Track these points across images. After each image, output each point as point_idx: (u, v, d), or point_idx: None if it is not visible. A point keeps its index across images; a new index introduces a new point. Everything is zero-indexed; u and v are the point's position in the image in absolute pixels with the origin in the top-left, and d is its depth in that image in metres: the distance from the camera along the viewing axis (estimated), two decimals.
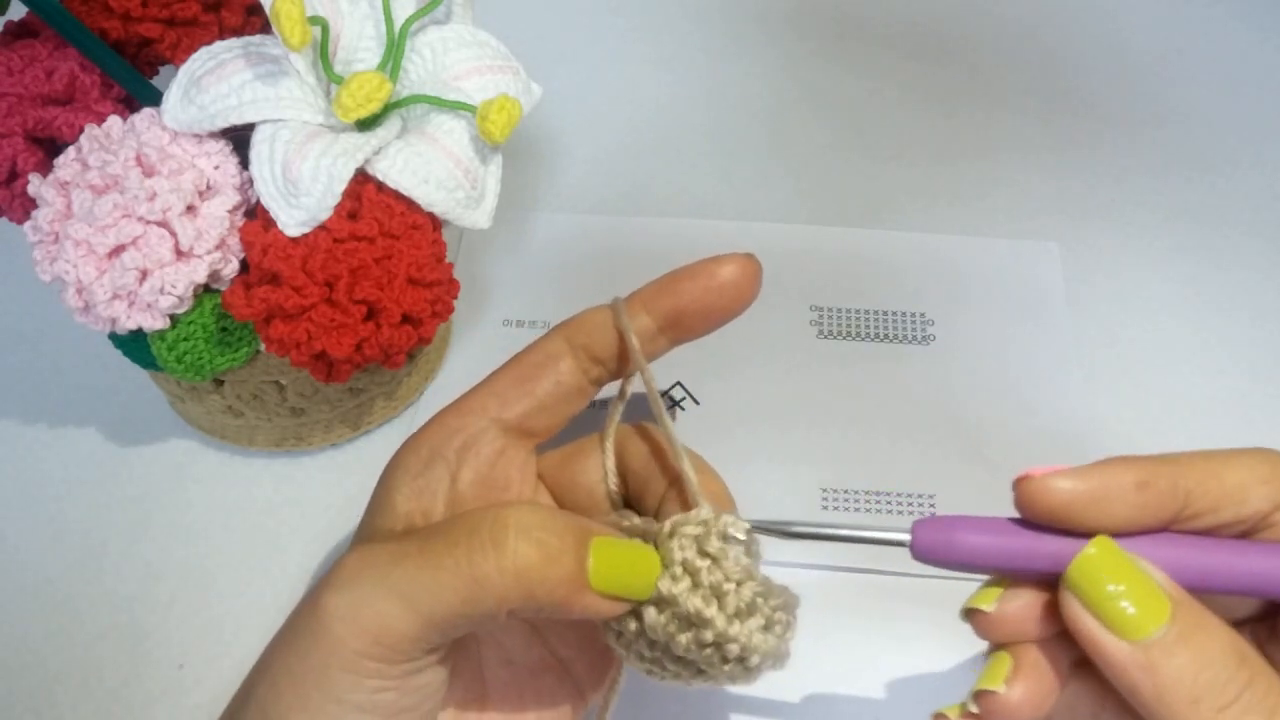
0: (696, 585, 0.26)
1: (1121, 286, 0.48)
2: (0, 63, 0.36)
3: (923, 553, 0.26)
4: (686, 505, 0.29)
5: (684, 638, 0.26)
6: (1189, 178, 0.53)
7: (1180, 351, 0.46)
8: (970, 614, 0.27)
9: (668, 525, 0.27)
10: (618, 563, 0.26)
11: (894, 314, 0.47)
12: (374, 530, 0.30)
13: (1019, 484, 0.26)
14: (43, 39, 0.37)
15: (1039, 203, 0.52)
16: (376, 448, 0.44)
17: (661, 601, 0.26)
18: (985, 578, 0.27)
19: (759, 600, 0.27)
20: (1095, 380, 0.45)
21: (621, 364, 0.31)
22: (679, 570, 0.26)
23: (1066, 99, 0.56)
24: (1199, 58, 0.58)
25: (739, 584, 0.26)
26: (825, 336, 0.46)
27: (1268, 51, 0.58)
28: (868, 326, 0.47)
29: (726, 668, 0.27)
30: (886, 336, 0.46)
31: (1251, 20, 0.60)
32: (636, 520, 0.28)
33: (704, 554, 0.27)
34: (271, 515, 0.42)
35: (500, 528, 0.25)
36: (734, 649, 0.26)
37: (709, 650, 0.26)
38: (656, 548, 0.27)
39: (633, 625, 0.27)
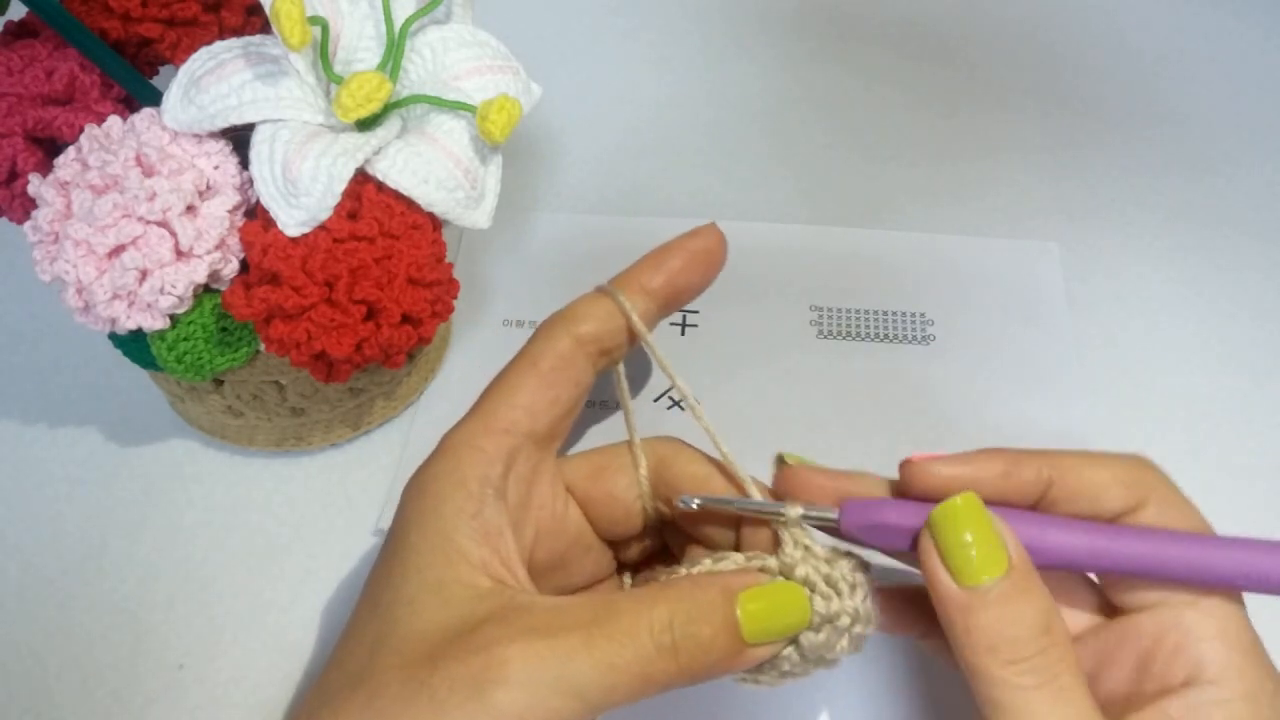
0: (838, 593, 0.28)
1: (1121, 286, 0.48)
2: (0, 63, 0.36)
3: (849, 528, 0.29)
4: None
5: (840, 643, 0.28)
6: (1189, 178, 0.53)
7: (1180, 351, 0.46)
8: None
9: (798, 552, 0.29)
10: (770, 614, 0.27)
11: (894, 314, 0.47)
12: (449, 579, 0.27)
13: (902, 466, 0.29)
14: (43, 39, 0.37)
15: (1039, 203, 0.52)
16: (376, 448, 0.44)
17: (819, 622, 0.28)
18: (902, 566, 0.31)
19: (858, 576, 0.29)
20: (1095, 380, 0.45)
21: (623, 352, 0.32)
22: (826, 589, 0.28)
23: (1067, 99, 0.56)
24: (1200, 58, 0.58)
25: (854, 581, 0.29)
26: (825, 336, 0.46)
27: (1268, 51, 0.58)
28: (868, 326, 0.47)
29: (818, 664, 0.29)
30: (886, 336, 0.46)
31: (1252, 20, 0.60)
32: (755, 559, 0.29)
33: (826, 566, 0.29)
34: (271, 515, 0.42)
35: (663, 628, 0.26)
36: (860, 628, 0.28)
37: (805, 656, 0.28)
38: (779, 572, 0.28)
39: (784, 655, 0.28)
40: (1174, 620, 0.27)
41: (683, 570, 0.29)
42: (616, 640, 0.26)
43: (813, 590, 0.28)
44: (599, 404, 0.43)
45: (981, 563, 0.26)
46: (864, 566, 0.29)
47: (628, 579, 0.35)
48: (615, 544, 0.34)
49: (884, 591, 0.30)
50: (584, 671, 0.25)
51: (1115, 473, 0.28)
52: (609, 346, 0.32)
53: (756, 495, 0.30)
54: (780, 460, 0.30)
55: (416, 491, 0.29)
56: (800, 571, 0.28)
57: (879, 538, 0.29)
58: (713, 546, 0.31)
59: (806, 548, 0.29)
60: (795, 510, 0.29)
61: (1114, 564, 0.27)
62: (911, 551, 0.28)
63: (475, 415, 0.30)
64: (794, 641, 0.28)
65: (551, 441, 0.32)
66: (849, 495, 0.29)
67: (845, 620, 0.28)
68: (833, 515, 0.29)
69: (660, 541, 0.34)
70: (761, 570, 0.28)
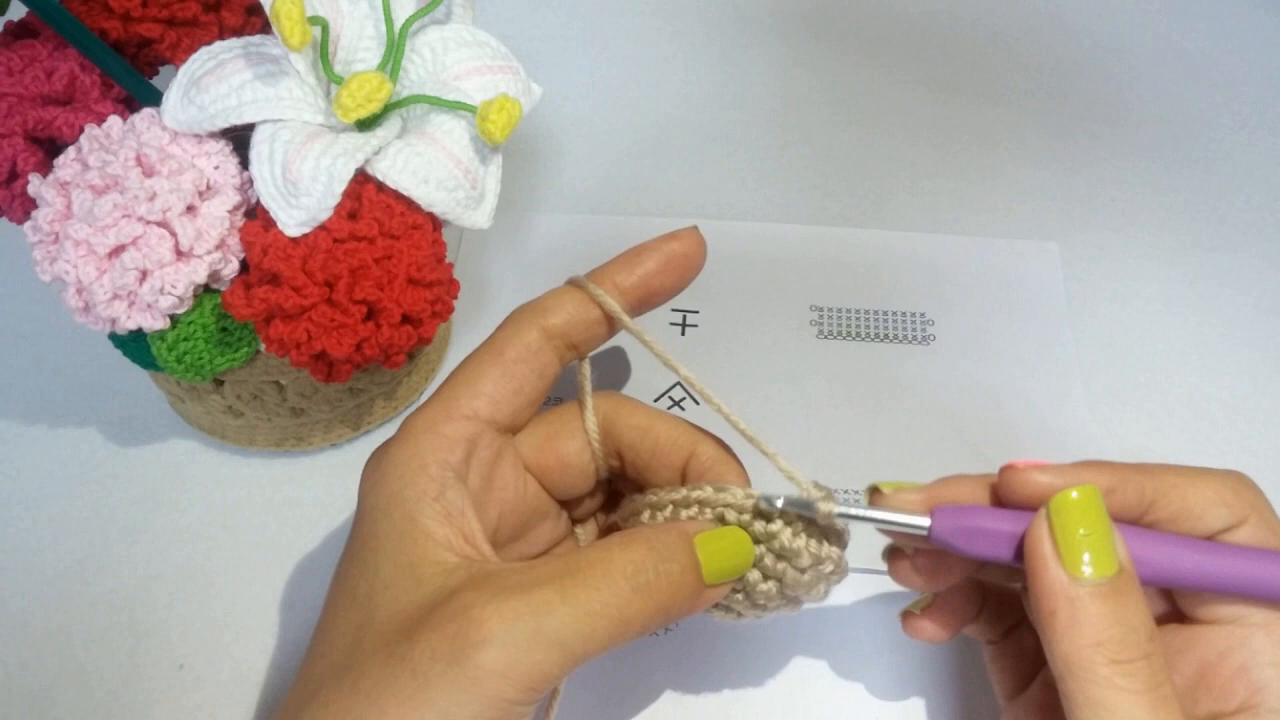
0: (776, 551, 0.30)
1: (1121, 286, 0.48)
2: (0, 63, 0.36)
3: (941, 535, 0.28)
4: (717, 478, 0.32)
5: (765, 586, 0.30)
6: (1189, 178, 0.53)
7: (1180, 351, 0.46)
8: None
9: (737, 506, 0.30)
10: (723, 555, 0.29)
11: (894, 314, 0.47)
12: (418, 559, 0.28)
13: (1004, 472, 0.28)
14: (43, 39, 0.37)
15: (1039, 203, 0.52)
16: (376, 448, 0.44)
17: (768, 575, 0.30)
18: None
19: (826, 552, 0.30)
20: (1095, 380, 0.45)
21: (593, 345, 0.33)
22: (777, 547, 0.30)
23: (1067, 99, 0.56)
24: (1201, 58, 0.58)
25: (813, 547, 0.30)
26: (825, 336, 0.46)
27: (1269, 51, 0.58)
28: (868, 326, 0.47)
29: (800, 601, 0.31)
30: (886, 336, 0.46)
31: (1252, 20, 0.60)
32: (733, 495, 0.30)
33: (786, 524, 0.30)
34: (271, 515, 0.42)
35: (635, 569, 0.27)
36: (813, 592, 0.30)
37: (785, 592, 0.30)
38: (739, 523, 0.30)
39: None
40: (1242, 640, 0.27)
41: (647, 499, 0.32)
42: (590, 586, 0.26)
43: (766, 544, 0.30)
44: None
45: (1096, 557, 0.26)
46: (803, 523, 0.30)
47: (579, 531, 0.36)
48: (568, 503, 0.35)
49: (958, 591, 0.32)
50: (562, 621, 0.26)
51: (1217, 492, 0.28)
52: (577, 340, 0.32)
53: (783, 464, 0.31)
54: (874, 490, 0.30)
55: (378, 477, 0.30)
56: (755, 527, 0.30)
57: (973, 543, 0.28)
58: (661, 473, 0.33)
59: (752, 508, 0.30)
60: (881, 514, 0.29)
61: (1210, 583, 0.27)
62: (1012, 560, 0.28)
63: (437, 401, 0.31)
64: (742, 585, 0.30)
65: (513, 428, 0.32)
66: (940, 502, 0.29)
67: (768, 566, 0.30)
68: (925, 523, 0.28)
69: (609, 493, 0.36)
70: (700, 506, 0.30)
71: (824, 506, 0.29)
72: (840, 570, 0.30)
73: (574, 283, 0.33)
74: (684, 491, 0.31)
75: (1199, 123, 0.55)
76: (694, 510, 0.30)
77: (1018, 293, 0.48)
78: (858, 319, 0.47)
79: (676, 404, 0.44)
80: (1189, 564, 0.27)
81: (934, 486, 0.29)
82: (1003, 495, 0.28)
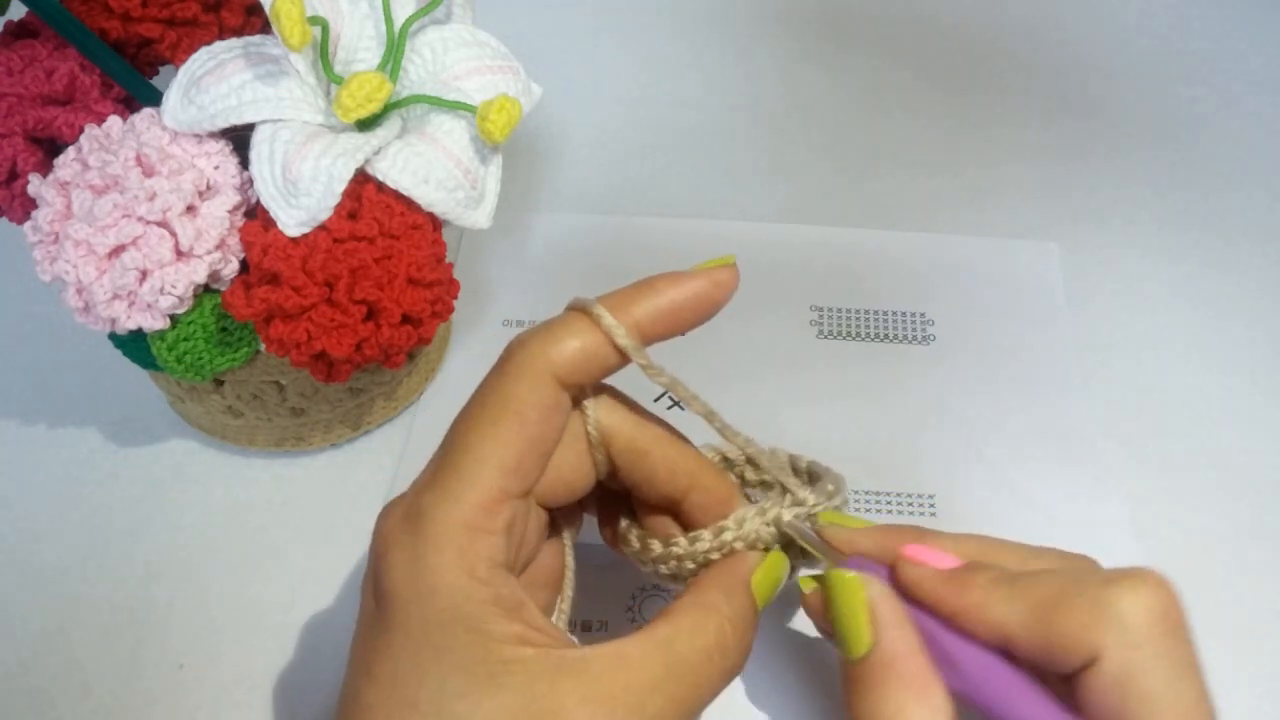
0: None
1: (1121, 286, 0.48)
2: (0, 63, 0.36)
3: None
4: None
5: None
6: (1189, 178, 0.53)
7: (1180, 351, 0.46)
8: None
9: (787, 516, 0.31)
10: (770, 584, 0.31)
11: (894, 314, 0.47)
12: (496, 663, 0.26)
13: (897, 557, 0.29)
14: (43, 39, 0.37)
15: (1039, 203, 0.52)
16: (376, 448, 0.44)
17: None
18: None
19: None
20: (1095, 380, 0.45)
21: (601, 378, 0.31)
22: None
23: (1067, 99, 0.56)
24: (1201, 59, 0.58)
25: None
26: (825, 336, 0.46)
27: (1268, 52, 0.58)
28: (868, 326, 0.47)
29: None
30: (886, 336, 0.46)
31: (1252, 21, 0.60)
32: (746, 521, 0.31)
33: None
34: (271, 515, 0.42)
35: (725, 654, 0.28)
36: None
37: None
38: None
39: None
40: None
41: (655, 557, 0.32)
42: (691, 684, 0.27)
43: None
44: None
45: (848, 639, 0.27)
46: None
47: (567, 539, 0.34)
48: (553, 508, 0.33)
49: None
50: (660, 707, 0.26)
51: (1061, 634, 0.25)
52: (587, 380, 0.30)
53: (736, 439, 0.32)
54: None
55: (420, 585, 0.27)
56: (765, 536, 0.31)
57: None
58: (653, 496, 0.32)
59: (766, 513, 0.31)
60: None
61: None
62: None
63: (468, 486, 0.28)
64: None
65: (538, 490, 0.30)
66: (855, 550, 0.31)
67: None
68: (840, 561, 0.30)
69: (598, 489, 0.33)
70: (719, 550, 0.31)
71: (788, 514, 0.31)
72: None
73: (581, 308, 0.30)
74: (693, 547, 0.31)
75: (1199, 122, 0.55)
76: (708, 551, 0.31)
77: (1018, 293, 0.48)
78: (858, 319, 0.47)
79: (676, 404, 0.44)
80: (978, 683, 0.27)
81: (874, 533, 0.30)
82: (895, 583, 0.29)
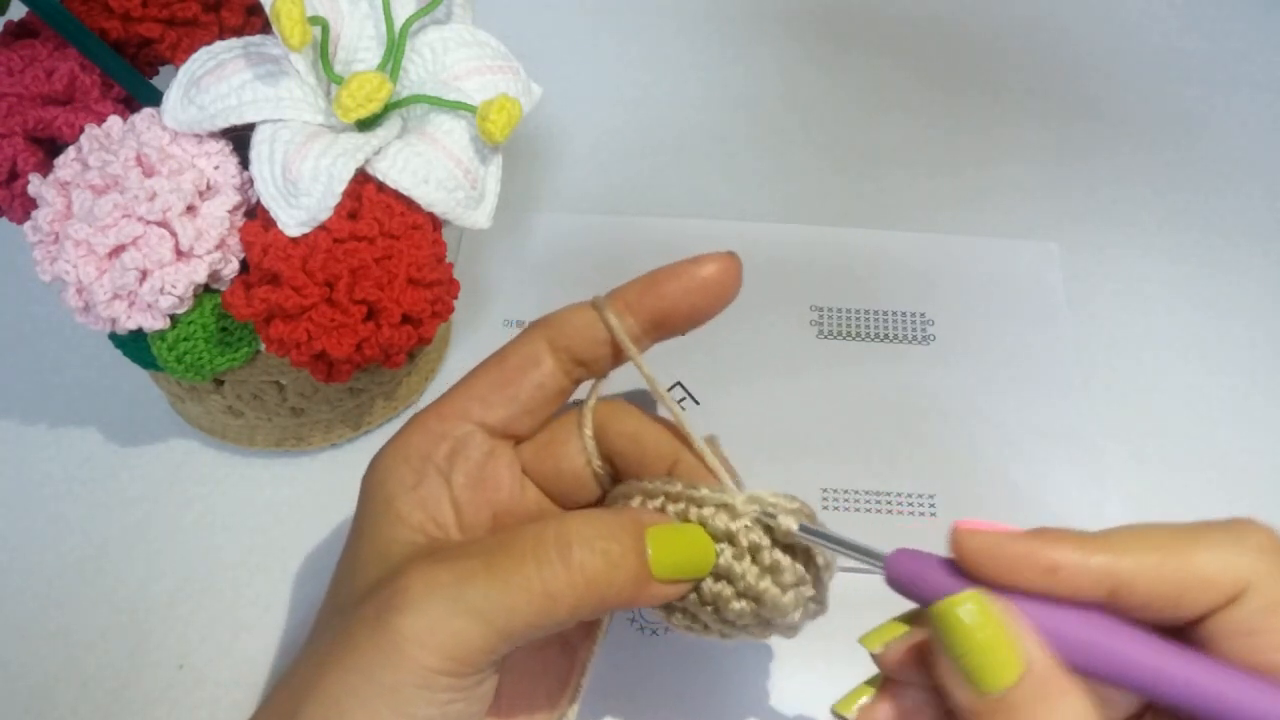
0: (756, 563, 0.28)
1: (1121, 286, 0.48)
2: (0, 63, 0.36)
3: (894, 576, 0.26)
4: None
5: (738, 605, 0.28)
6: (1189, 178, 0.53)
7: (1180, 351, 0.46)
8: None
9: (707, 502, 0.29)
10: (676, 550, 0.28)
11: (894, 314, 0.47)
12: (389, 540, 0.29)
13: (953, 532, 0.26)
14: (43, 39, 0.37)
15: (1039, 203, 0.52)
16: (376, 447, 0.44)
17: (719, 574, 0.28)
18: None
19: (805, 574, 0.29)
20: (1095, 380, 0.45)
21: (603, 365, 0.32)
22: (744, 550, 0.28)
23: (1067, 99, 0.56)
24: (1200, 58, 0.58)
25: (795, 568, 0.28)
26: (825, 336, 0.46)
27: (1268, 52, 0.58)
28: (868, 326, 0.47)
29: (773, 627, 0.29)
30: (886, 336, 0.46)
31: (1252, 20, 0.60)
32: (699, 490, 0.29)
33: (766, 535, 0.28)
34: (271, 515, 0.42)
35: (564, 543, 0.26)
36: (788, 618, 0.29)
37: (759, 615, 0.29)
38: (703, 522, 0.29)
39: (691, 600, 0.29)
40: None
41: (619, 494, 0.31)
42: (517, 557, 0.26)
43: (730, 545, 0.28)
44: None
45: (989, 670, 0.23)
46: (829, 567, 0.29)
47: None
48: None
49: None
50: (483, 591, 0.26)
51: (1203, 565, 0.24)
52: (585, 358, 0.31)
53: (714, 460, 0.30)
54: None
55: (370, 469, 0.31)
56: (741, 535, 0.28)
57: (920, 596, 0.26)
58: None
59: (726, 507, 0.29)
60: (839, 539, 0.28)
61: (1167, 698, 0.24)
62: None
63: (436, 400, 0.32)
64: (699, 593, 0.29)
65: (509, 434, 0.32)
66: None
67: (745, 583, 0.28)
68: (881, 555, 0.27)
69: None
70: (688, 503, 0.29)
71: (785, 520, 0.28)
72: (819, 601, 0.29)
73: (593, 301, 0.32)
74: (656, 483, 0.30)
75: (1199, 123, 0.55)
76: (682, 506, 0.29)
77: (1018, 293, 0.48)
78: (858, 319, 0.47)
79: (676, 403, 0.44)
80: (1144, 672, 0.24)
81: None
82: (954, 554, 0.26)
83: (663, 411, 0.32)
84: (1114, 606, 0.24)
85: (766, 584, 0.28)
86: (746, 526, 0.28)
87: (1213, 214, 0.51)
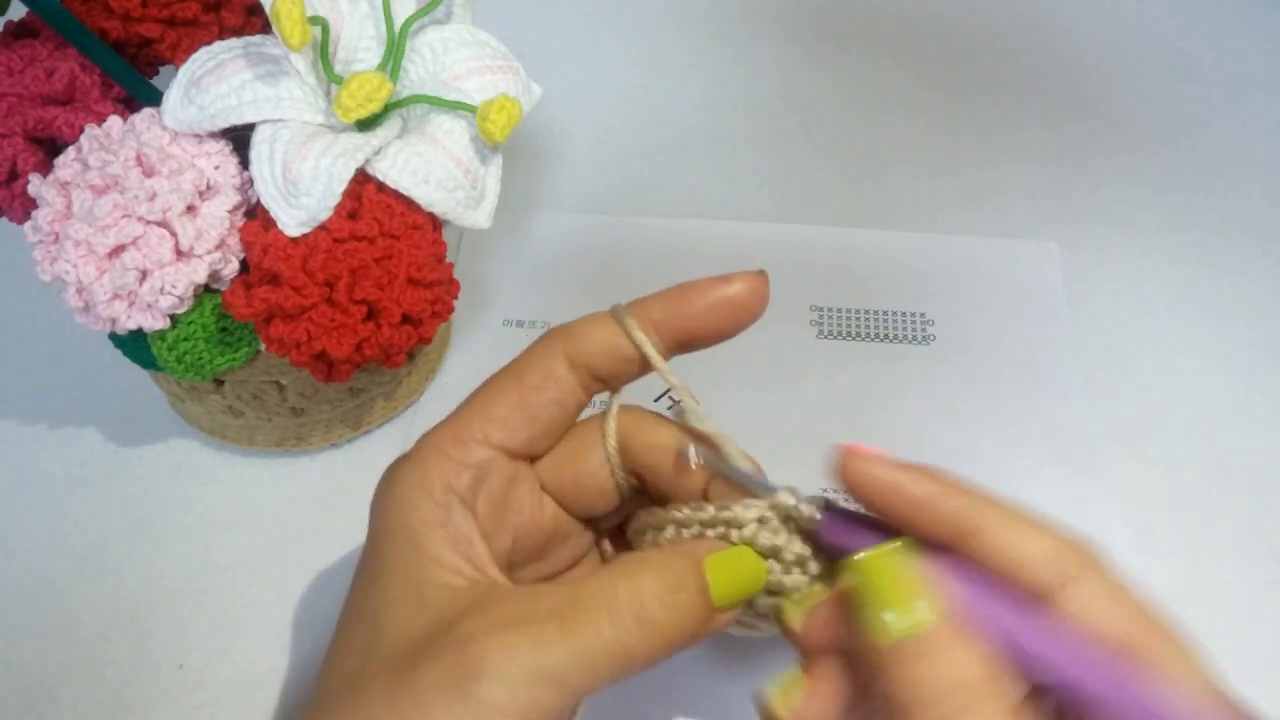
0: (805, 573, 0.29)
1: (1121, 286, 0.48)
2: (0, 63, 0.36)
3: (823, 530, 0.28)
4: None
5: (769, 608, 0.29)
6: (1189, 178, 0.53)
7: (1180, 351, 0.46)
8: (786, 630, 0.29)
9: (745, 521, 0.29)
10: (733, 575, 0.28)
11: (894, 314, 0.47)
12: (424, 584, 0.28)
13: (835, 452, 0.28)
14: (43, 39, 0.37)
15: (1039, 203, 0.52)
16: (376, 448, 0.44)
17: (772, 590, 0.29)
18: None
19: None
20: (1095, 380, 0.45)
21: (624, 381, 0.31)
22: (789, 562, 0.28)
23: (1067, 99, 0.56)
24: (1201, 59, 0.58)
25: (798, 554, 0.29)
26: (825, 336, 0.46)
27: (1268, 51, 0.58)
28: (868, 326, 0.47)
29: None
30: (886, 336, 0.46)
31: (1252, 20, 0.60)
32: (728, 511, 0.29)
33: (805, 543, 0.29)
34: (271, 515, 0.42)
35: (638, 603, 0.26)
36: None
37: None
38: (749, 543, 0.29)
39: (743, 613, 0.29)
40: None
41: (648, 524, 0.31)
42: (592, 621, 0.26)
43: (776, 560, 0.29)
44: None
45: (907, 613, 0.25)
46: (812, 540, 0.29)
47: (607, 545, 0.34)
48: (594, 519, 0.34)
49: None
50: (563, 658, 0.25)
51: (1044, 547, 0.26)
52: (605, 373, 0.30)
53: (743, 466, 0.30)
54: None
55: (387, 498, 0.30)
56: (761, 540, 0.29)
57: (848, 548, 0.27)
58: (680, 494, 0.31)
59: (761, 520, 0.29)
60: (788, 499, 0.29)
61: (1022, 654, 0.25)
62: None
63: (451, 421, 0.30)
64: (750, 604, 0.29)
65: (529, 455, 0.31)
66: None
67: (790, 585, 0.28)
68: (817, 518, 0.28)
69: (637, 508, 0.34)
70: (725, 525, 0.29)
71: (785, 497, 0.29)
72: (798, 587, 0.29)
73: (614, 311, 0.31)
74: (686, 511, 0.30)
75: (1199, 123, 0.55)
76: (695, 530, 0.29)
77: (1018, 293, 0.48)
78: (858, 319, 0.47)
79: (676, 404, 0.44)
80: (1015, 628, 0.25)
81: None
82: (835, 475, 0.28)
83: (692, 421, 0.32)
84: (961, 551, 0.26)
85: (818, 589, 0.28)
86: (788, 536, 0.29)
87: (1213, 214, 0.51)
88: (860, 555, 0.26)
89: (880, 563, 0.25)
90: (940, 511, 0.26)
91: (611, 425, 0.31)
